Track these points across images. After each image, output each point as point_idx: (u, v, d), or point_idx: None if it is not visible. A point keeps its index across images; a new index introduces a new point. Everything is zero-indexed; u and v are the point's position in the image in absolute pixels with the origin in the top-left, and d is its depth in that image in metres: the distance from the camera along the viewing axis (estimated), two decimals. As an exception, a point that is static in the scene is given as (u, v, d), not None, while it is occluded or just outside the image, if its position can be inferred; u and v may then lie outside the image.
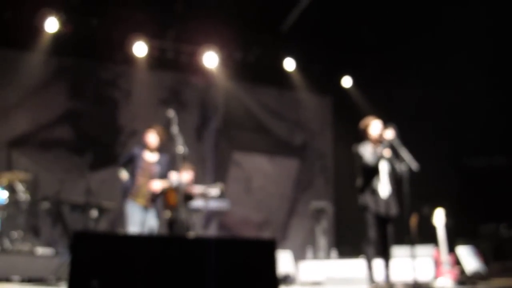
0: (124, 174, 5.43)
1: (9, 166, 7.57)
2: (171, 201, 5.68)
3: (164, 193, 5.63)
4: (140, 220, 5.26)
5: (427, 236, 6.07)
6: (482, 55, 7.02)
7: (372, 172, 4.89)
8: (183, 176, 6.42)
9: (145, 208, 5.31)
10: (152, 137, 5.45)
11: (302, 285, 7.21)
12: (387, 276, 4.82)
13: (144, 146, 5.49)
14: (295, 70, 9.29)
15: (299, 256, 8.38)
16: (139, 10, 7.99)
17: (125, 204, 5.28)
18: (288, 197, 9.97)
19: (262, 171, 9.83)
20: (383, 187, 4.89)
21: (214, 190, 6.46)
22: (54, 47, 7.91)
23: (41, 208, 6.93)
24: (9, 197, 6.05)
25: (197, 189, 6.33)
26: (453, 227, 6.28)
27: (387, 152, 4.93)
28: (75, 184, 7.76)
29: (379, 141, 4.97)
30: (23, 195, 6.23)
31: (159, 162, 5.46)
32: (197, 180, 7.88)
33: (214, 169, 8.74)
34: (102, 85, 8.77)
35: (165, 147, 5.60)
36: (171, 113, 5.17)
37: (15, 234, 5.97)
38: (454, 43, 7.48)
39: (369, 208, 4.82)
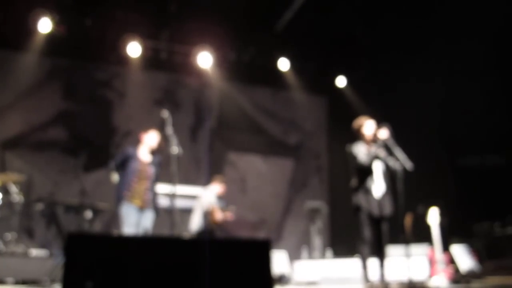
0: (115, 178, 5.40)
1: (2, 168, 7.54)
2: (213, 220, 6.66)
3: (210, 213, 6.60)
4: (135, 221, 5.25)
5: (422, 235, 6.08)
6: (477, 55, 7.05)
7: (366, 171, 4.91)
8: (212, 190, 6.79)
9: (141, 208, 5.30)
10: (155, 137, 5.43)
11: (298, 285, 7.21)
12: (382, 275, 4.83)
13: (139, 146, 5.46)
14: (289, 70, 9.30)
15: (294, 256, 8.39)
16: (133, 11, 7.98)
17: (121, 206, 5.26)
18: (283, 197, 9.98)
19: (257, 171, 9.83)
20: (377, 186, 4.90)
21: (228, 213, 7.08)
22: (48, 48, 7.88)
23: (35, 209, 6.89)
24: (3, 198, 6.02)
25: (219, 215, 6.77)
26: (447, 226, 6.30)
27: (381, 152, 4.94)
28: (69, 185, 7.73)
29: (373, 140, 4.98)
30: (16, 196, 6.20)
31: (153, 163, 5.44)
32: (194, 181, 7.89)
33: (209, 169, 8.73)
34: (96, 86, 8.75)
35: (159, 148, 5.59)
36: (165, 113, 5.15)
37: (9, 235, 5.93)
38: (448, 43, 7.51)
39: (362, 207, 4.83)
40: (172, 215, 5.45)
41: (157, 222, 5.48)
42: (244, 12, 7.87)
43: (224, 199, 7.23)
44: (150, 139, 5.43)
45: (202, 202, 6.79)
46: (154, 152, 5.48)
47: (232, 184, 9.41)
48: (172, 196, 5.27)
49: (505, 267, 6.03)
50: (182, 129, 8.78)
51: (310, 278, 7.36)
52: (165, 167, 5.37)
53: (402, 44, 8.08)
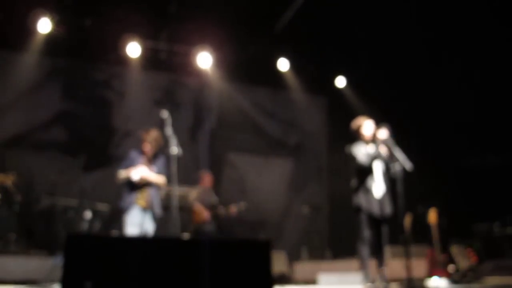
0: (122, 174, 5.38)
1: (2, 168, 7.53)
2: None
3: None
4: (139, 222, 5.26)
5: (421, 235, 6.09)
6: (477, 55, 7.06)
7: (366, 172, 4.90)
8: (200, 188, 6.87)
9: (144, 209, 5.32)
10: (147, 147, 5.44)
11: (297, 285, 7.21)
12: (382, 275, 4.83)
13: (142, 146, 5.48)
14: (289, 70, 9.29)
15: (294, 256, 8.39)
16: (132, 11, 7.97)
17: (127, 211, 5.26)
18: (282, 197, 9.97)
19: (257, 171, 9.82)
20: (377, 187, 4.90)
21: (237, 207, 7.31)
22: (48, 48, 7.88)
23: (35, 209, 6.89)
24: (2, 198, 6.02)
25: (222, 209, 6.92)
26: (447, 227, 6.32)
27: (382, 151, 4.94)
28: (69, 185, 7.73)
29: (373, 141, 4.98)
30: (16, 196, 6.20)
31: (155, 164, 5.45)
32: (194, 181, 7.89)
33: (208, 169, 8.71)
34: (95, 86, 8.75)
35: (160, 148, 5.59)
36: (165, 114, 5.15)
37: (8, 235, 5.93)
38: (448, 43, 7.52)
39: (363, 208, 4.83)
40: (172, 215, 5.45)
41: (158, 223, 5.49)
42: (243, 12, 7.87)
43: (214, 193, 7.34)
44: (144, 149, 5.44)
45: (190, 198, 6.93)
46: (156, 152, 5.49)
47: (232, 184, 9.42)
48: (172, 196, 5.27)
49: (505, 267, 6.03)
50: (181, 129, 8.77)
51: (309, 278, 7.35)
52: (167, 167, 5.38)
53: (402, 44, 8.08)
